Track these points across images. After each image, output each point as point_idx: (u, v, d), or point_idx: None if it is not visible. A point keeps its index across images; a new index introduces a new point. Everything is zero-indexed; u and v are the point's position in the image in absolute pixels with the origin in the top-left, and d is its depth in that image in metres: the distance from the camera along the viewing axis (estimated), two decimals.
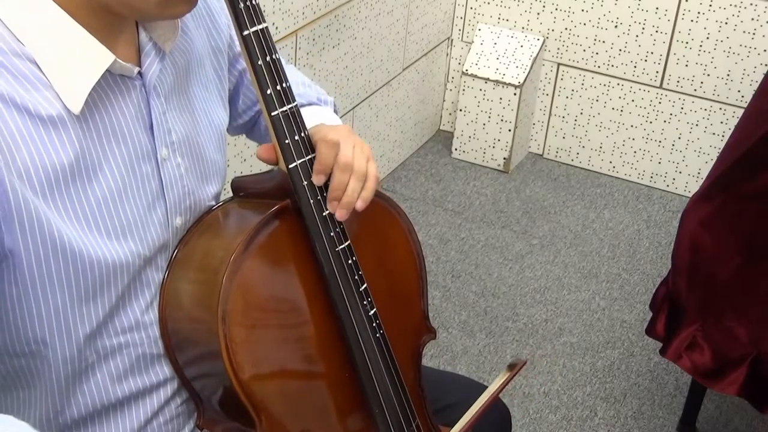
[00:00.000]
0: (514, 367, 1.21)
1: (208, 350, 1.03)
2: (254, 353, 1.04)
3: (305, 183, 1.07)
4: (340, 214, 1.08)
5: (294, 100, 1.06)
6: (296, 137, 1.06)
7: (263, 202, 1.09)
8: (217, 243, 1.08)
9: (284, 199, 1.08)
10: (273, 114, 1.05)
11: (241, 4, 1.02)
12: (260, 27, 1.03)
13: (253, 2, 1.02)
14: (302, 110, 1.27)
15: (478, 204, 3.06)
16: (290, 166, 1.06)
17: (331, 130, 1.11)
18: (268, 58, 1.04)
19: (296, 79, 1.34)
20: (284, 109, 1.06)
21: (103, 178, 0.97)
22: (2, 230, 0.90)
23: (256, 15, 1.03)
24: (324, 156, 1.08)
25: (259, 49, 1.04)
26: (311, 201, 1.07)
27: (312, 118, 1.26)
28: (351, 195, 1.09)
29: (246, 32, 1.03)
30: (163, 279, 1.07)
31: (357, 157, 1.10)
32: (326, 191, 1.09)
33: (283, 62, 1.35)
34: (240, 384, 1.02)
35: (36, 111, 0.91)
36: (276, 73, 1.05)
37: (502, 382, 1.19)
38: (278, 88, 1.05)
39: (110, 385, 1.04)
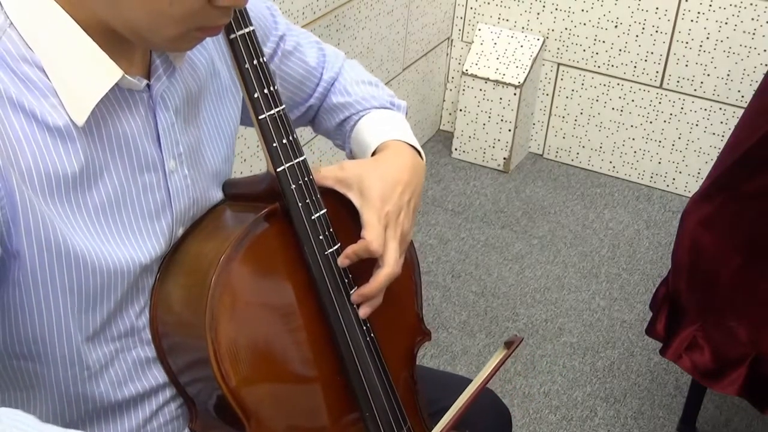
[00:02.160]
0: (510, 345, 1.19)
1: (197, 355, 1.03)
2: (243, 358, 1.03)
3: (293, 186, 1.06)
4: (365, 312, 1.12)
5: (281, 104, 1.06)
6: (284, 140, 1.06)
7: (253, 205, 1.08)
8: (206, 246, 1.07)
9: (273, 202, 1.07)
10: (260, 117, 1.05)
11: None
12: (247, 30, 1.03)
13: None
14: (376, 116, 1.27)
15: (478, 204, 3.06)
16: (278, 170, 1.06)
17: (382, 207, 1.12)
18: (255, 62, 1.04)
19: (365, 78, 1.32)
20: (272, 112, 1.05)
21: (104, 186, 0.97)
22: (11, 230, 0.89)
23: (242, 18, 1.02)
24: (361, 251, 1.10)
25: (246, 53, 1.03)
26: (299, 204, 1.07)
27: (385, 127, 1.25)
28: (381, 298, 1.14)
29: (232, 36, 1.02)
30: (154, 282, 1.06)
31: (399, 261, 1.14)
32: (321, 217, 1.09)
33: (348, 58, 1.34)
34: (228, 388, 1.01)
35: (43, 119, 0.91)
36: (263, 76, 1.04)
37: (499, 360, 1.17)
38: (265, 91, 1.04)
39: (109, 388, 1.04)
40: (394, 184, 1.14)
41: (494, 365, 1.17)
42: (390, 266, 1.11)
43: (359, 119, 1.28)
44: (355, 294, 1.11)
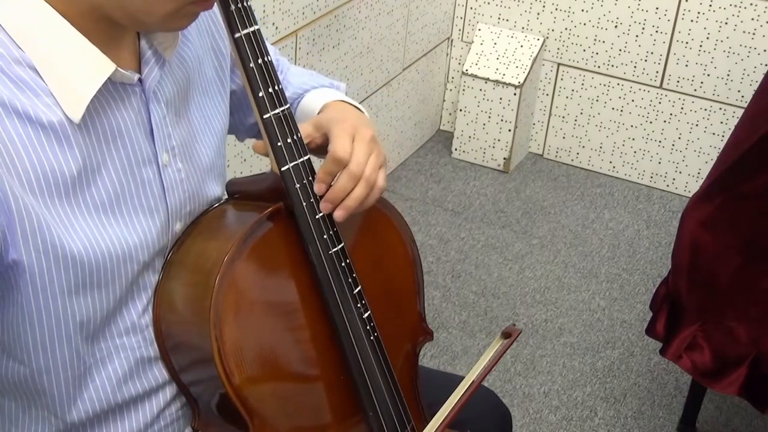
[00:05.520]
0: (509, 336, 1.18)
1: (201, 353, 1.03)
2: (247, 356, 1.03)
3: (298, 186, 1.06)
4: (339, 215, 1.07)
5: (286, 103, 1.06)
6: (288, 140, 1.06)
7: (257, 204, 1.08)
8: (211, 245, 1.07)
9: (277, 201, 1.07)
10: (265, 117, 1.04)
11: (233, 6, 1.01)
12: (252, 29, 1.03)
13: (245, 4, 1.02)
14: (316, 91, 1.28)
15: (478, 204, 3.06)
16: (282, 169, 1.05)
17: (347, 123, 1.10)
18: (260, 61, 1.04)
19: (301, 70, 1.34)
20: (276, 111, 1.05)
21: (102, 183, 0.97)
22: (7, 240, 0.89)
23: (248, 17, 1.02)
24: (329, 163, 1.07)
25: (251, 52, 1.03)
26: (304, 204, 1.07)
27: (327, 95, 1.25)
28: (354, 200, 1.07)
29: (237, 35, 1.02)
30: (158, 281, 1.06)
31: (370, 165, 1.09)
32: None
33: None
34: (232, 387, 1.01)
35: (37, 118, 0.90)
36: (268, 75, 1.04)
37: (495, 351, 1.16)
38: (270, 90, 1.04)
39: (110, 389, 1.04)
40: (353, 120, 1.14)
41: (491, 357, 1.16)
42: (355, 164, 1.08)
43: (301, 99, 1.29)
44: (322, 202, 1.07)
